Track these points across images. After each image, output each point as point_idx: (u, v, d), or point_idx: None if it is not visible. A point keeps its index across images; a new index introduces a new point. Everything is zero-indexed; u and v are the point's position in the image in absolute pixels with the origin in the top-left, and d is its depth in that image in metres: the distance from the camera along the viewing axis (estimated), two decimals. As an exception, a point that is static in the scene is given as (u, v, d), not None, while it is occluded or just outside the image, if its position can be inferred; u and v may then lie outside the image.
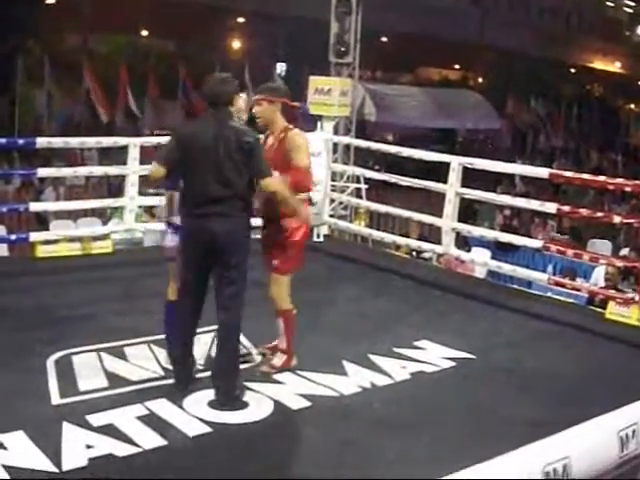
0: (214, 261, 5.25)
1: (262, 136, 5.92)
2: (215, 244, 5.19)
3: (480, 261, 9.58)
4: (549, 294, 9.20)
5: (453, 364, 6.34)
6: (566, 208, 8.45)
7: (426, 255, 10.72)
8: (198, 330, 5.55)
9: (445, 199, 9.07)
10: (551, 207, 8.43)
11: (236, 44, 35.58)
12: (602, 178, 8.66)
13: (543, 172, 8.83)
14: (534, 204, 8.90)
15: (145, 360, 6.00)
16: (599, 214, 8.66)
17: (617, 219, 8.48)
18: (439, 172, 9.68)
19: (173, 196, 5.74)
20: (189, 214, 5.35)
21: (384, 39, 36.53)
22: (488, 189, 10.12)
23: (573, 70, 44.74)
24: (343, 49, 13.03)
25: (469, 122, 27.38)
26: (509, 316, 7.81)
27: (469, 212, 14.29)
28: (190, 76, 25.13)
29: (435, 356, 6.47)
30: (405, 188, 10.81)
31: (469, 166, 8.99)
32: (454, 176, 8.96)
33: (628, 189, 8.22)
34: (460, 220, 9.30)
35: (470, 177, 9.36)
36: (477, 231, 9.56)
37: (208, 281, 5.35)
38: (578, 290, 8.90)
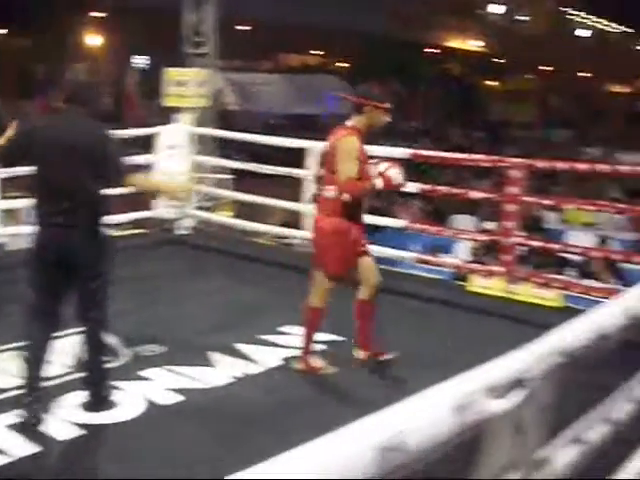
0: (70, 275, 4.97)
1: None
2: (69, 258, 4.90)
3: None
4: (415, 272, 9.37)
5: (323, 347, 6.35)
6: (427, 187, 8.61)
7: (292, 241, 10.76)
8: (63, 332, 5.41)
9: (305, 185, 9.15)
10: (413, 186, 8.56)
11: (92, 39, 34.91)
12: (461, 155, 8.86)
13: (405, 152, 8.94)
14: (393, 184, 9.04)
15: (14, 367, 5.85)
16: (458, 191, 8.86)
17: (475, 194, 8.70)
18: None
19: None
20: (39, 224, 4.98)
21: (243, 27, 36.42)
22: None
23: (432, 50, 45.53)
24: (199, 39, 12.92)
25: (330, 107, 27.62)
26: (379, 296, 7.89)
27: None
28: (46, 74, 24.57)
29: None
30: (275, 177, 10.84)
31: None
32: (312, 160, 9.02)
33: (487, 164, 8.45)
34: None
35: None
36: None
37: (64, 294, 5.06)
38: (443, 266, 9.09)
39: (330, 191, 5.74)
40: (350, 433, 1.59)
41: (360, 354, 6.03)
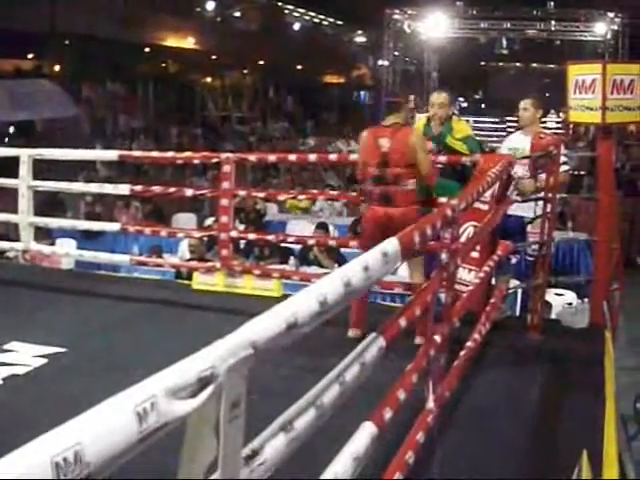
0: None
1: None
2: None
3: (62, 252, 9.43)
4: (137, 274, 9.28)
5: (45, 361, 6.15)
6: (138, 188, 8.50)
7: (10, 254, 10.34)
8: None
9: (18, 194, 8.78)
10: (124, 188, 8.45)
11: None
12: (170, 154, 8.82)
13: (113, 155, 8.83)
14: (108, 187, 8.90)
15: None
16: (171, 189, 8.76)
17: (189, 192, 8.69)
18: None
19: None
20: None
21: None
22: (75, 177, 9.96)
23: (147, 49, 45.10)
24: None
25: (45, 112, 26.84)
26: (98, 302, 7.75)
27: (54, 203, 13.96)
28: None
29: (26, 356, 6.24)
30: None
31: (39, 157, 8.75)
32: (25, 169, 8.67)
33: (197, 161, 8.45)
34: (45, 213, 9.08)
35: (55, 168, 9.14)
36: (55, 222, 9.38)
37: None
38: (162, 266, 9.04)
39: (410, 184, 6.25)
40: (24, 452, 1.51)
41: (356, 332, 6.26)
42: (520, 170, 7.10)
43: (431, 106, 7.27)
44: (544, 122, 7.53)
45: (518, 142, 7.61)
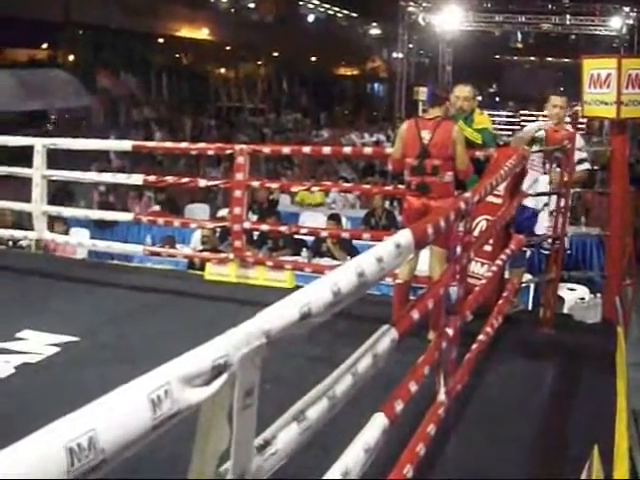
0: None
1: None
2: None
3: (75, 242, 9.44)
4: (149, 264, 9.28)
5: (57, 350, 6.15)
6: (152, 178, 8.49)
7: (24, 243, 10.36)
8: None
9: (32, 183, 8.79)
10: (137, 179, 8.44)
11: None
12: (184, 145, 8.80)
13: (127, 145, 8.82)
14: (120, 177, 8.90)
15: None
16: (185, 180, 8.77)
17: (202, 183, 8.68)
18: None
19: None
20: None
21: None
22: (88, 167, 9.96)
23: (161, 40, 45.09)
24: None
25: (59, 102, 26.85)
26: (111, 292, 7.75)
27: (64, 193, 13.96)
28: None
29: (39, 344, 6.25)
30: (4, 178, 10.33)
31: (53, 147, 8.76)
32: (39, 159, 8.68)
33: (211, 152, 8.43)
34: (54, 204, 9.08)
35: (68, 158, 9.14)
36: (69, 212, 9.39)
37: None
38: (175, 256, 9.04)
39: (448, 176, 6.29)
40: (38, 437, 1.52)
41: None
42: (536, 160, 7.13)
43: (456, 99, 7.20)
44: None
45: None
